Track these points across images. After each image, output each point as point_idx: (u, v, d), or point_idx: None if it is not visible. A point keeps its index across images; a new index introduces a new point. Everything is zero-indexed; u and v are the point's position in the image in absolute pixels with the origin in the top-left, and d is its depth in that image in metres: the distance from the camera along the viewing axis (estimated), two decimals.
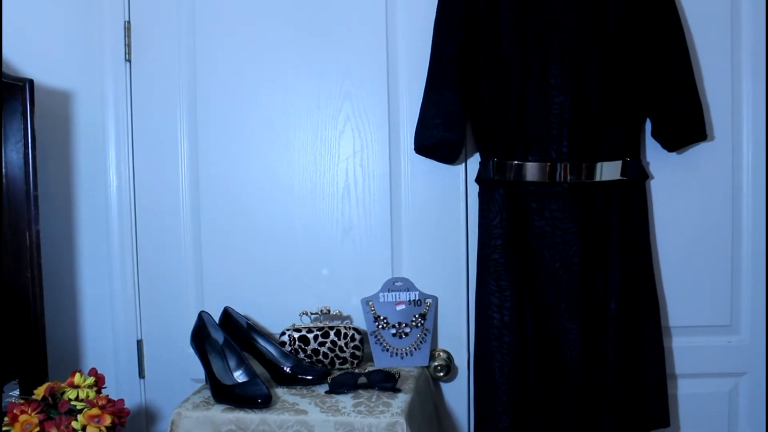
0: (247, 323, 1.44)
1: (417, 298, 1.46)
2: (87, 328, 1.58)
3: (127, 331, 1.58)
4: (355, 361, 1.44)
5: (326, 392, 1.28)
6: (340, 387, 1.28)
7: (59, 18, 1.53)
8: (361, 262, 1.51)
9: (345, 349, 1.43)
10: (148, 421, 1.59)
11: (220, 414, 1.20)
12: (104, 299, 1.58)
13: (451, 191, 1.50)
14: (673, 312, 1.49)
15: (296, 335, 1.42)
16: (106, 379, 1.31)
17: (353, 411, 1.19)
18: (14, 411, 1.18)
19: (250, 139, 1.53)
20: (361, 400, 1.24)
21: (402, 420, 1.15)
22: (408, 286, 1.46)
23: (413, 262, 1.51)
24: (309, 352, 1.42)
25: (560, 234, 1.39)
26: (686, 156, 1.48)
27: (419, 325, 1.46)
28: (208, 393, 1.28)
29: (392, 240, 1.51)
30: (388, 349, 1.45)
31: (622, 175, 1.40)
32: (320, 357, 1.42)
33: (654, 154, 1.48)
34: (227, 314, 1.43)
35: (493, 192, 1.40)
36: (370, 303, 1.46)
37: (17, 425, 1.16)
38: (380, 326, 1.45)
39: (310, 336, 1.42)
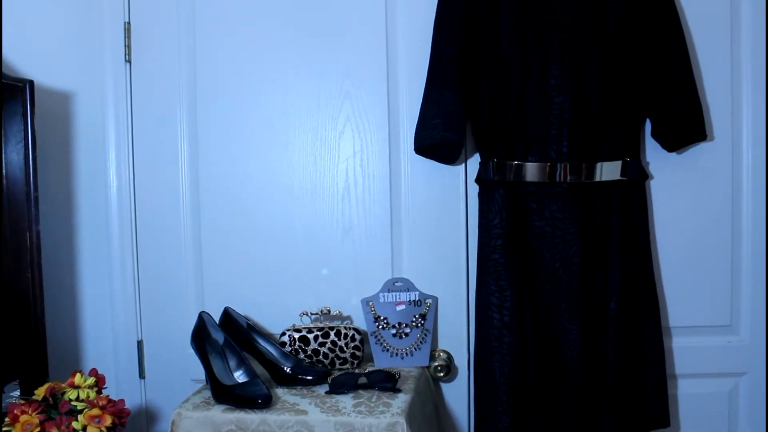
0: (248, 323, 1.44)
1: (417, 299, 1.46)
2: (87, 329, 1.58)
3: (128, 331, 1.58)
4: (356, 362, 1.44)
5: (326, 392, 1.28)
6: (340, 387, 1.28)
7: (59, 19, 1.53)
8: (361, 263, 1.51)
9: (345, 349, 1.43)
10: (148, 422, 1.59)
11: (220, 414, 1.20)
12: (104, 299, 1.58)
13: (451, 191, 1.50)
14: (673, 312, 1.49)
15: (296, 335, 1.42)
16: (106, 380, 1.31)
17: (353, 411, 1.19)
18: (15, 411, 1.18)
19: (250, 140, 1.53)
20: (361, 400, 1.24)
21: (402, 420, 1.15)
22: (408, 286, 1.47)
23: (413, 263, 1.51)
24: (309, 352, 1.42)
25: (560, 234, 1.39)
26: (686, 156, 1.48)
27: (419, 325, 1.46)
28: (208, 393, 1.28)
29: (392, 240, 1.51)
30: (388, 350, 1.45)
31: (622, 175, 1.40)
32: (320, 357, 1.42)
33: (654, 154, 1.48)
34: (227, 314, 1.43)
35: (493, 192, 1.40)
36: (371, 303, 1.46)
37: (18, 425, 1.16)
38: (380, 326, 1.45)
39: (311, 336, 1.42)
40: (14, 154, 1.33)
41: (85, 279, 1.57)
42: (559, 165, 1.38)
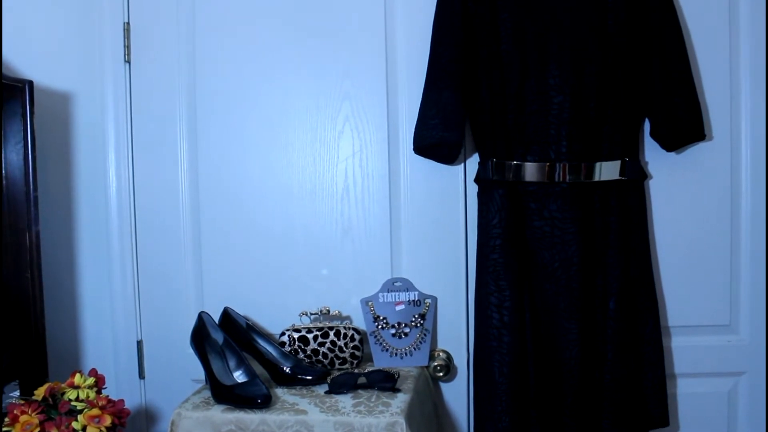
0: (247, 323, 1.44)
1: (416, 299, 1.46)
2: (87, 329, 1.58)
3: (127, 331, 1.58)
4: (355, 362, 1.44)
5: (326, 392, 1.28)
6: (339, 387, 1.28)
7: (59, 19, 1.53)
8: (360, 263, 1.51)
9: (344, 349, 1.43)
10: (148, 422, 1.59)
11: (220, 414, 1.20)
12: (104, 300, 1.58)
13: (451, 191, 1.50)
14: (672, 311, 1.50)
15: (296, 335, 1.43)
16: (106, 380, 1.31)
17: (353, 411, 1.19)
18: (15, 411, 1.18)
19: (250, 140, 1.53)
20: (360, 400, 1.24)
21: (401, 420, 1.15)
22: (407, 286, 1.47)
23: (413, 263, 1.51)
24: (309, 352, 1.42)
25: (559, 234, 1.39)
26: (685, 156, 1.48)
27: (419, 325, 1.46)
28: (207, 393, 1.28)
29: (391, 240, 1.51)
30: (387, 349, 1.45)
31: (621, 175, 1.40)
32: (320, 357, 1.43)
33: (653, 154, 1.48)
34: (227, 315, 1.43)
35: (492, 192, 1.40)
36: (370, 303, 1.46)
37: (18, 426, 1.17)
38: (380, 326, 1.46)
39: (310, 336, 1.42)
40: (14, 155, 1.33)
41: (85, 279, 1.58)
42: (558, 165, 1.38)
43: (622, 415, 1.38)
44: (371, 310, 1.46)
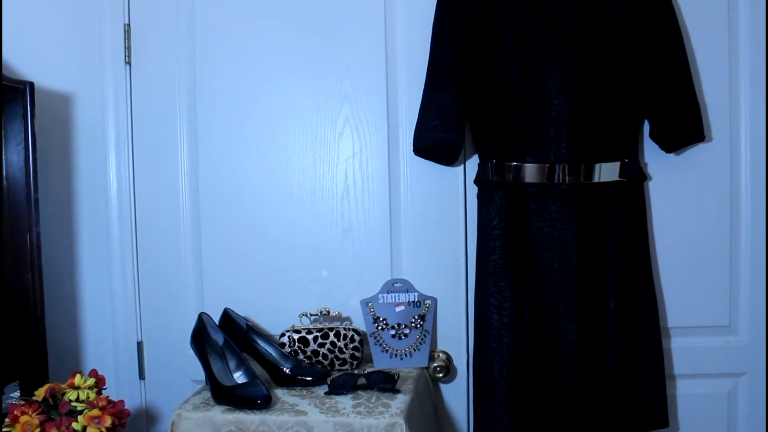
0: (247, 324, 1.44)
1: (416, 300, 1.47)
2: (87, 330, 1.58)
3: (128, 332, 1.58)
4: (355, 362, 1.44)
5: (326, 393, 1.28)
6: (339, 388, 1.28)
7: (59, 21, 1.53)
8: (360, 264, 1.52)
9: (344, 350, 1.43)
10: (148, 423, 1.60)
11: (220, 415, 1.20)
12: (104, 301, 1.58)
13: (450, 192, 1.50)
14: (671, 312, 1.50)
15: (296, 336, 1.43)
16: (106, 381, 1.32)
17: (353, 412, 1.19)
18: (15, 412, 1.18)
19: (250, 141, 1.54)
20: (360, 401, 1.24)
21: (401, 421, 1.15)
22: (407, 287, 1.47)
23: (412, 264, 1.51)
24: (308, 353, 1.42)
25: (559, 235, 1.40)
26: (684, 157, 1.48)
27: (418, 326, 1.46)
28: (208, 394, 1.28)
29: (391, 241, 1.51)
30: (387, 350, 1.46)
31: (620, 176, 1.40)
32: (320, 358, 1.43)
33: (652, 155, 1.48)
34: (227, 315, 1.43)
35: (492, 193, 1.40)
36: (370, 304, 1.46)
37: (18, 426, 1.17)
38: (380, 327, 1.46)
39: (310, 337, 1.43)
40: (14, 156, 1.33)
41: (85, 280, 1.58)
42: (557, 166, 1.38)
43: (621, 416, 1.38)
44: (371, 311, 1.46)
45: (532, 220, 1.41)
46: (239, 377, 1.30)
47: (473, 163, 1.48)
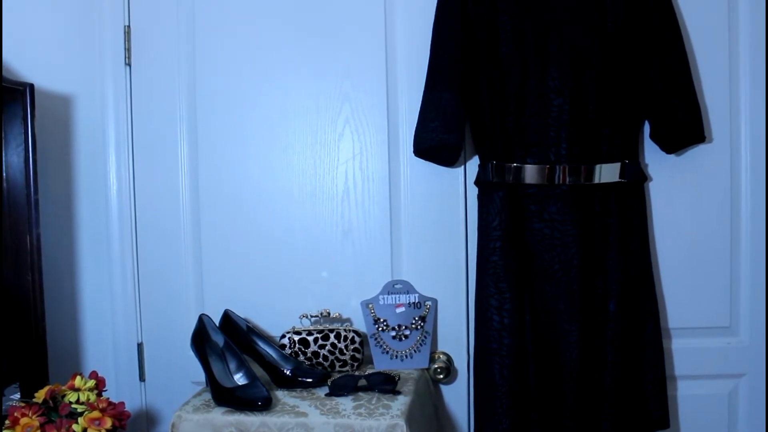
0: (247, 326, 1.44)
1: (417, 301, 1.47)
2: (87, 331, 1.58)
3: (128, 333, 1.58)
4: (355, 364, 1.44)
5: (326, 395, 1.28)
6: (340, 389, 1.28)
7: (59, 22, 1.53)
8: (360, 265, 1.51)
9: (345, 351, 1.43)
10: (148, 424, 1.59)
11: (220, 417, 1.20)
12: (105, 302, 1.58)
13: (451, 193, 1.50)
14: (672, 313, 1.50)
15: (296, 338, 1.43)
16: (106, 382, 1.32)
17: (353, 413, 1.19)
18: (15, 414, 1.18)
19: (250, 142, 1.54)
20: (361, 402, 1.24)
21: (402, 422, 1.15)
22: (408, 288, 1.47)
23: (413, 265, 1.51)
24: (309, 354, 1.42)
25: (559, 236, 1.40)
26: (685, 158, 1.48)
27: (419, 327, 1.46)
28: (208, 396, 1.28)
29: (392, 242, 1.51)
30: (387, 352, 1.45)
31: (620, 177, 1.40)
32: (320, 359, 1.42)
33: (653, 155, 1.48)
34: (227, 317, 1.43)
35: (492, 194, 1.40)
36: (370, 305, 1.46)
37: (18, 428, 1.17)
38: (380, 328, 1.46)
39: (310, 338, 1.42)
40: (14, 157, 1.33)
41: (86, 281, 1.58)
42: (558, 167, 1.38)
43: (622, 417, 1.38)
44: (371, 313, 1.46)
45: (533, 221, 1.41)
46: (240, 379, 1.30)
47: (473, 164, 1.48)
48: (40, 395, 1.23)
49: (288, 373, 1.33)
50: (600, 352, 1.40)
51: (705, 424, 1.51)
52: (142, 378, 1.59)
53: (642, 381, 1.41)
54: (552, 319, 1.40)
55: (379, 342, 1.46)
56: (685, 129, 1.40)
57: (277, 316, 1.51)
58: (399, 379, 1.33)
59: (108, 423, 1.21)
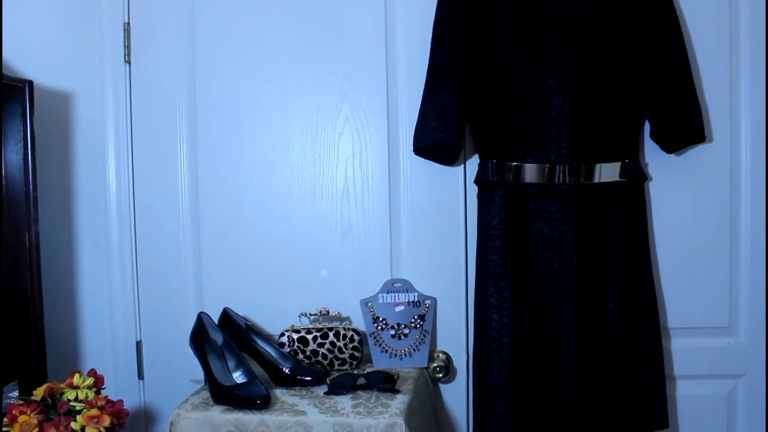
0: (246, 324, 1.44)
1: (416, 300, 1.46)
2: (86, 329, 1.58)
3: (127, 331, 1.58)
4: (354, 362, 1.44)
5: (325, 393, 1.28)
6: (339, 388, 1.28)
7: (59, 19, 1.53)
8: (360, 264, 1.51)
9: (344, 350, 1.43)
10: (147, 422, 1.59)
11: (219, 415, 1.20)
12: (103, 300, 1.58)
13: (450, 192, 1.50)
14: (671, 313, 1.49)
15: (295, 336, 1.42)
16: (105, 380, 1.32)
17: (352, 412, 1.19)
18: (13, 412, 1.18)
19: (250, 140, 1.54)
20: (360, 401, 1.24)
21: (401, 421, 1.15)
22: (407, 287, 1.47)
23: (412, 264, 1.51)
24: (308, 353, 1.42)
25: (559, 235, 1.40)
26: (685, 157, 1.48)
27: (418, 326, 1.46)
28: (207, 394, 1.28)
29: (391, 241, 1.51)
30: (387, 350, 1.45)
31: (620, 176, 1.40)
32: (319, 358, 1.42)
33: (653, 155, 1.48)
34: (226, 315, 1.43)
35: (492, 193, 1.40)
36: (369, 304, 1.46)
37: (16, 426, 1.16)
38: (379, 327, 1.46)
39: (309, 337, 1.42)
40: (13, 155, 1.33)
41: (84, 279, 1.57)
42: (558, 166, 1.38)
43: (621, 416, 1.38)
44: (371, 311, 1.46)
45: (532, 221, 1.41)
46: (238, 377, 1.30)
47: (473, 163, 1.48)
48: (39, 393, 1.23)
49: (287, 371, 1.33)
50: (599, 352, 1.40)
51: (704, 424, 1.51)
52: (140, 376, 1.59)
53: (641, 381, 1.41)
54: (551, 318, 1.40)
55: (378, 341, 1.45)
56: (685, 129, 1.39)
57: (276, 315, 1.51)
58: (398, 377, 1.33)
59: (106, 421, 1.21)
